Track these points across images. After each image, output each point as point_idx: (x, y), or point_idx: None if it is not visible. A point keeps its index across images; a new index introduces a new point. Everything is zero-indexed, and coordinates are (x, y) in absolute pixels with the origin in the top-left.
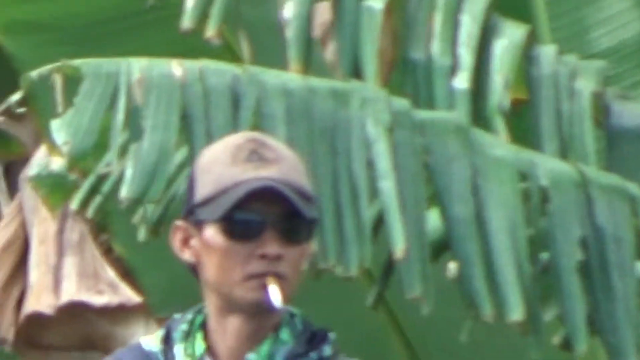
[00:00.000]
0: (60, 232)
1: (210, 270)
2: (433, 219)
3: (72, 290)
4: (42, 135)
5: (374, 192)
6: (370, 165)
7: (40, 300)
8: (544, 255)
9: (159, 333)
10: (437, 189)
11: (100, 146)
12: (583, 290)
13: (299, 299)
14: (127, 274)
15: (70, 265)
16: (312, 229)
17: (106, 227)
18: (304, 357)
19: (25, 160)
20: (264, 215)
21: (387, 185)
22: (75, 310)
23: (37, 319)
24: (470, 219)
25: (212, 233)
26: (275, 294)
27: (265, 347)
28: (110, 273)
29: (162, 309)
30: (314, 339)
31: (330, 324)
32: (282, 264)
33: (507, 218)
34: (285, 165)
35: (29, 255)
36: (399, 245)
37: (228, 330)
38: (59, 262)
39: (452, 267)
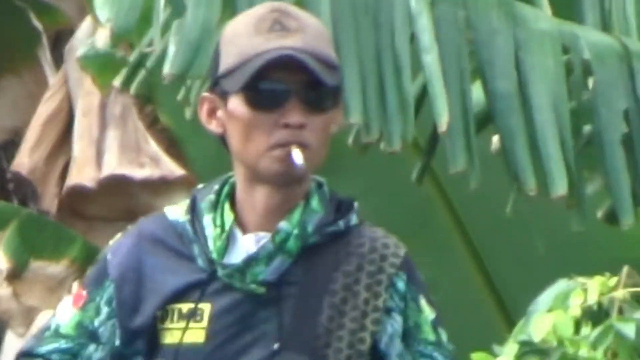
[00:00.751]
0: (104, 105)
1: (235, 141)
2: (476, 93)
3: (113, 164)
4: (87, 8)
5: (417, 66)
6: (413, 39)
7: (83, 172)
8: (588, 129)
9: (184, 203)
10: (479, 62)
11: (144, 22)
12: (627, 163)
13: (346, 169)
14: (172, 146)
15: (112, 138)
16: (337, 97)
17: (151, 99)
18: (333, 225)
19: (70, 31)
20: (287, 85)
21: (430, 58)
22: (117, 183)
23: (79, 191)
24: (513, 92)
25: (236, 104)
26: (298, 157)
27: (296, 216)
28: (153, 146)
29: (207, 179)
30: (340, 207)
31: (378, 195)
32: (306, 133)
33: (550, 91)
34: (308, 33)
35: (73, 128)
36: (443, 118)
37: (256, 200)
38: (102, 135)
39: (495, 140)
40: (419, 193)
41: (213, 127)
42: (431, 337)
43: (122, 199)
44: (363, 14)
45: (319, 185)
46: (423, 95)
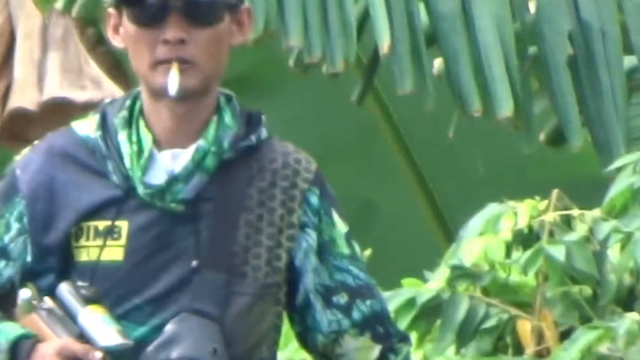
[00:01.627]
0: (45, 27)
1: (130, 56)
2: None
3: (55, 86)
4: None
5: None
6: None
7: (24, 95)
8: (533, 50)
9: (93, 118)
10: None
11: None
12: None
13: (288, 92)
14: (114, 68)
15: (53, 60)
16: (220, 10)
17: (94, 21)
18: (246, 140)
19: None
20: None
21: None
22: (58, 106)
23: (21, 114)
24: (457, 13)
25: (125, 19)
26: (173, 80)
27: (211, 132)
28: (95, 69)
29: None
30: (250, 121)
31: (323, 115)
32: (188, 48)
33: (493, 13)
34: None
35: (14, 50)
36: (384, 41)
37: (162, 115)
38: (43, 57)
39: (438, 63)
40: (362, 115)
41: (117, 42)
42: (346, 250)
43: (63, 121)
44: None
45: (228, 99)
46: (366, 16)
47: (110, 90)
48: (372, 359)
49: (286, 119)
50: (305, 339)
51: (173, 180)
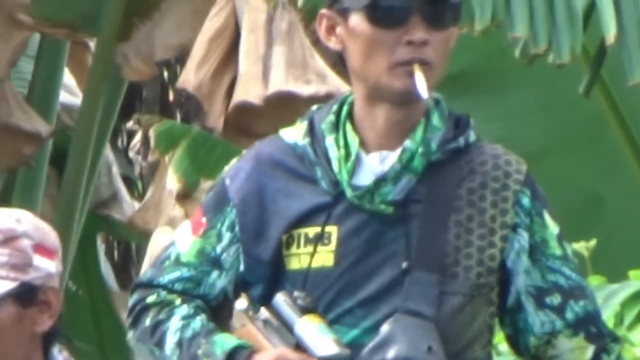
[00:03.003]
0: (270, 21)
1: (356, 58)
2: None
3: (280, 80)
4: None
5: None
6: None
7: (249, 89)
8: None
9: (301, 125)
10: None
11: None
12: None
13: (512, 84)
14: (341, 63)
15: (278, 54)
16: (458, 12)
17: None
18: (454, 142)
19: None
20: (408, 1)
21: None
22: (283, 100)
23: (245, 108)
24: None
25: (357, 21)
26: (421, 83)
27: (419, 133)
28: (320, 63)
29: None
30: (458, 124)
31: (548, 107)
32: (428, 50)
33: None
34: None
35: (239, 44)
36: (611, 31)
37: (377, 119)
38: (268, 51)
39: None
40: (588, 107)
41: (332, 44)
42: (558, 251)
43: (288, 115)
44: None
45: (436, 102)
46: (592, 6)
47: (335, 84)
48: (586, 359)
49: (512, 111)
50: (516, 342)
51: (381, 181)
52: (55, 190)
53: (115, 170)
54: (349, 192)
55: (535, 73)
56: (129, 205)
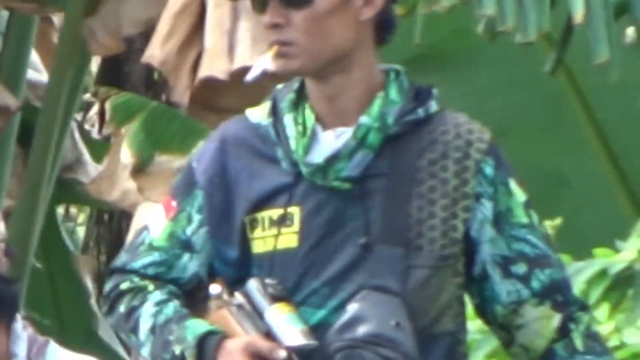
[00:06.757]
0: None
1: None
2: None
3: (246, 55)
4: None
5: None
6: None
7: (215, 64)
8: None
9: (265, 105)
10: None
11: None
12: None
13: (476, 62)
14: None
15: (244, 29)
16: None
17: None
18: (412, 113)
19: None
20: None
21: None
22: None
23: (211, 83)
24: None
25: None
26: (259, 64)
27: (375, 108)
28: None
29: None
30: (419, 95)
31: (510, 87)
32: (287, 30)
33: None
34: None
35: (205, 19)
36: (579, 10)
37: (316, 95)
38: (234, 26)
39: (630, 32)
40: (551, 86)
41: None
42: (524, 219)
43: (254, 91)
44: None
45: (397, 74)
46: None
47: None
48: (553, 328)
49: (475, 90)
50: (483, 311)
51: (332, 157)
52: (21, 167)
53: (78, 135)
54: (303, 169)
55: (498, 52)
56: (93, 168)
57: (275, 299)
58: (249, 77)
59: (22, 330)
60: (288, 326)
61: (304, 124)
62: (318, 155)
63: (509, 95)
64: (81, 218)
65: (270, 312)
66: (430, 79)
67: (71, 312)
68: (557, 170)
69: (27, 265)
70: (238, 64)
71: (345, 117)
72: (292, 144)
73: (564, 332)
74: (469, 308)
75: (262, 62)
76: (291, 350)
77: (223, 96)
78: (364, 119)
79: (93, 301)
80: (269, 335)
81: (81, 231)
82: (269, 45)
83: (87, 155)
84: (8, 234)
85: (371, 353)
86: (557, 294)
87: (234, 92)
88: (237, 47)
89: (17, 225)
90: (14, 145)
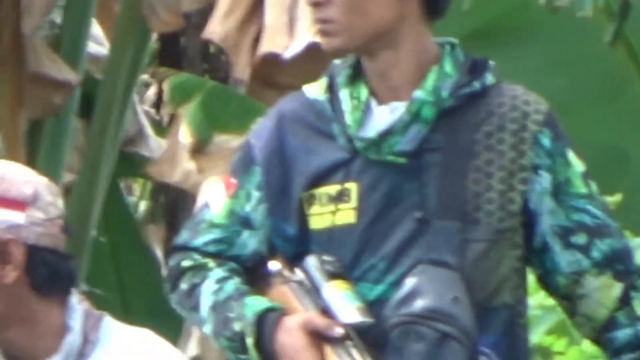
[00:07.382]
0: None
1: None
2: None
3: (305, 32)
4: None
5: None
6: None
7: (275, 41)
8: None
9: (322, 81)
10: None
11: None
12: None
13: (535, 37)
14: None
15: (304, 6)
16: None
17: None
18: (468, 86)
19: None
20: None
21: None
22: (310, 51)
23: (272, 59)
24: None
25: None
26: (299, 42)
27: (430, 82)
28: None
29: None
30: (475, 68)
31: (568, 63)
32: (328, 8)
33: None
34: None
35: None
36: None
37: (371, 70)
38: (294, 2)
39: None
40: (611, 60)
41: None
42: (583, 190)
43: (314, 67)
44: None
45: (452, 47)
46: None
47: None
48: (614, 297)
49: (535, 66)
50: (545, 282)
51: (386, 132)
52: (83, 141)
53: (139, 109)
54: (357, 144)
55: (555, 28)
56: (155, 142)
57: (332, 275)
58: (287, 54)
59: (77, 304)
60: (344, 303)
61: (359, 99)
62: (372, 130)
63: (567, 72)
64: (137, 192)
65: (327, 289)
66: (488, 56)
67: (135, 285)
68: (618, 146)
69: (88, 240)
70: (298, 40)
71: (398, 91)
72: (347, 118)
73: (625, 300)
74: (530, 283)
75: (302, 39)
76: (348, 327)
77: (283, 73)
78: (417, 94)
79: (164, 271)
80: (326, 312)
81: (142, 205)
82: (313, 23)
83: (148, 129)
84: (68, 208)
85: (428, 328)
86: (618, 263)
87: (294, 68)
88: (297, 24)
89: (78, 200)
90: (74, 119)
